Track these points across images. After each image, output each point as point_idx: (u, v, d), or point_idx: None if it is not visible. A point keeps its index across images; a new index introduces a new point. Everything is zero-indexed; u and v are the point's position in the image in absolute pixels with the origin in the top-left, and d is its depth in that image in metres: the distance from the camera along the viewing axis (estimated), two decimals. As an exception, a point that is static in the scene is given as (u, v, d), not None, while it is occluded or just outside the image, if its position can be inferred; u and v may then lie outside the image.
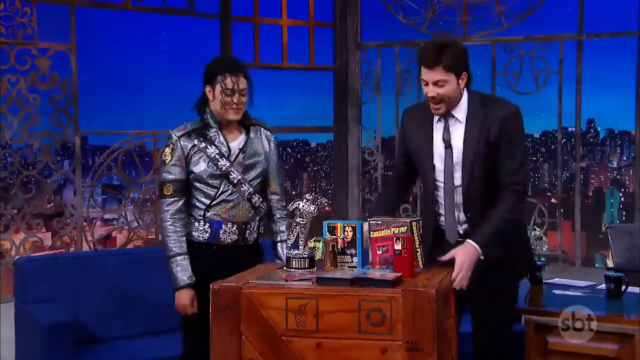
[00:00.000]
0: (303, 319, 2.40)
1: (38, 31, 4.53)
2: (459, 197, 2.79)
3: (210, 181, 2.90)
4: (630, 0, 5.06)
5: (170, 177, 2.90)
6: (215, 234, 2.93)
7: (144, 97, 6.01)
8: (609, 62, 5.89)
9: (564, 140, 5.51)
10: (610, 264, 4.28)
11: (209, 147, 2.89)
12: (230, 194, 2.91)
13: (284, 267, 2.69)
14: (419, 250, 2.65)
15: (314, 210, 2.69)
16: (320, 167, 6.96)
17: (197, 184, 2.92)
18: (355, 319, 2.36)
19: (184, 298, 2.88)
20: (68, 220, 4.72)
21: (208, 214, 2.92)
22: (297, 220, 2.69)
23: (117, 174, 4.96)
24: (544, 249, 5.59)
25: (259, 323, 2.43)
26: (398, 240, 2.53)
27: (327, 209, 6.56)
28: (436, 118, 2.80)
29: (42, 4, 4.54)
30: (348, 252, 2.66)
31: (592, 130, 6.61)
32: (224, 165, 2.89)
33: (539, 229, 5.52)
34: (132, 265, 3.99)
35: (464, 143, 2.75)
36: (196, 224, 2.94)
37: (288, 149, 7.15)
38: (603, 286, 3.26)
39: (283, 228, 3.08)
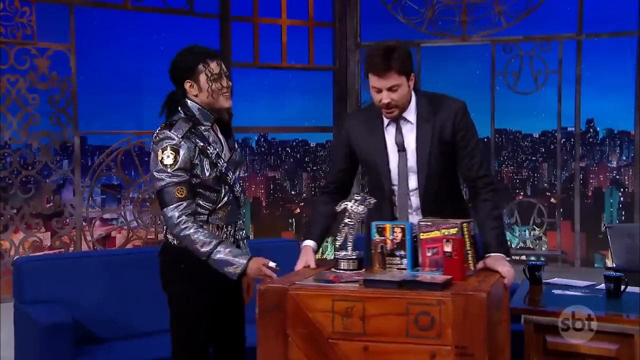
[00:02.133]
0: (350, 322, 2.34)
1: (37, 31, 4.53)
2: (414, 201, 2.75)
3: (212, 185, 2.70)
4: (630, 0, 5.06)
5: (180, 179, 2.61)
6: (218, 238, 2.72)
7: (143, 97, 6.03)
8: (609, 62, 5.91)
9: (564, 140, 5.52)
10: (609, 263, 4.28)
11: (208, 147, 2.68)
12: (229, 196, 2.74)
13: (332, 269, 2.63)
14: (469, 252, 2.56)
15: (362, 210, 2.61)
16: (320, 167, 6.96)
17: (198, 189, 2.68)
18: (403, 323, 2.30)
19: (258, 262, 2.62)
20: (67, 220, 4.72)
21: (210, 219, 2.71)
22: (345, 220, 2.62)
23: (116, 174, 4.96)
24: (543, 248, 5.59)
25: (305, 325, 2.37)
26: (448, 242, 2.46)
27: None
28: (386, 122, 2.74)
29: (41, 3, 4.54)
30: (397, 254, 2.60)
31: (591, 130, 6.62)
32: (223, 166, 2.71)
33: (538, 229, 5.52)
34: (132, 265, 3.98)
35: (417, 145, 2.72)
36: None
37: (287, 149, 7.16)
38: (602, 286, 3.25)
39: (243, 225, 2.94)
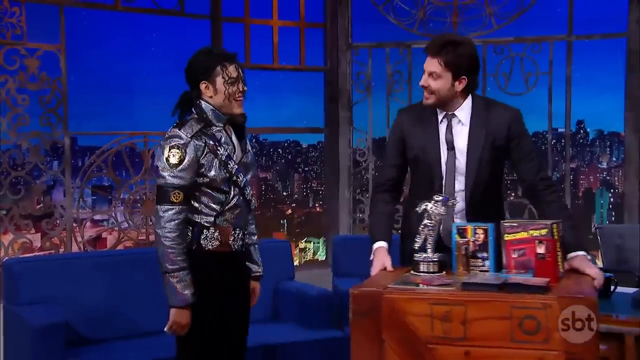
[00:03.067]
0: (449, 326, 2.26)
1: (27, 31, 4.50)
2: (459, 203, 2.70)
3: (221, 186, 2.67)
4: (619, 1, 5.09)
5: (181, 182, 2.59)
6: (226, 241, 2.71)
7: (134, 98, 6.00)
8: (599, 63, 5.93)
9: (554, 141, 5.54)
10: (599, 264, 4.29)
11: (219, 148, 2.66)
12: (238, 198, 2.71)
13: (411, 271, 2.58)
14: (559, 253, 2.49)
15: (443, 212, 2.56)
16: (312, 168, 6.96)
17: (206, 189, 2.66)
18: (506, 327, 2.21)
19: (186, 317, 2.64)
20: (57, 221, 4.69)
21: (218, 221, 2.69)
22: (425, 222, 2.57)
23: (107, 175, 4.93)
24: (534, 249, 5.60)
25: (401, 329, 2.30)
26: (541, 244, 2.38)
27: (317, 209, 6.58)
28: (440, 117, 2.73)
29: (31, 4, 4.51)
30: (479, 256, 2.55)
31: (581, 131, 6.64)
32: (233, 168, 2.68)
33: (529, 230, 5.52)
34: (123, 267, 3.98)
35: (468, 146, 2.69)
36: (205, 231, 2.67)
37: (279, 150, 7.15)
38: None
39: (255, 230, 2.96)
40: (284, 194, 7.18)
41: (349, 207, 5.68)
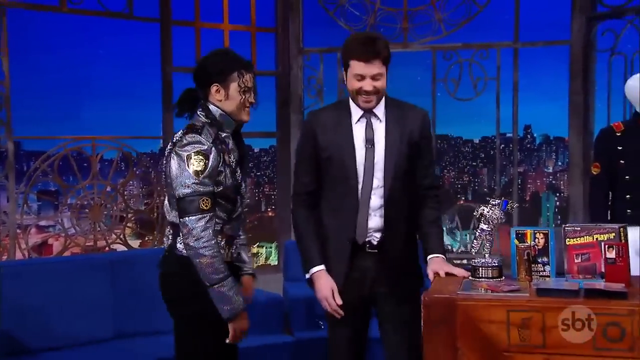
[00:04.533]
0: (527, 334, 2.19)
1: (-32, 33, 4.38)
2: (375, 200, 2.69)
3: (231, 195, 2.56)
4: (563, 10, 5.22)
5: (207, 189, 2.44)
6: (228, 251, 2.63)
7: (82, 102, 5.90)
8: (544, 69, 6.07)
9: (502, 145, 5.64)
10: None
11: (230, 155, 2.56)
12: (240, 206, 2.64)
13: (469, 277, 2.52)
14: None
15: (499, 215, 2.53)
16: (264, 173, 6.94)
17: (218, 199, 2.52)
18: (588, 334, 2.15)
19: (246, 319, 2.53)
20: (0, 228, 4.57)
21: (225, 229, 2.58)
22: (482, 226, 2.54)
23: (53, 180, 4.83)
24: (484, 252, 5.69)
25: (477, 338, 2.24)
26: (611, 248, 2.34)
27: (269, 214, 6.55)
28: (355, 118, 2.71)
29: (-28, 4, 4.39)
30: (540, 261, 2.50)
31: (529, 136, 6.79)
32: (240, 176, 2.61)
33: (478, 233, 5.61)
34: (70, 273, 3.89)
35: (386, 142, 2.69)
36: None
37: (231, 154, 7.11)
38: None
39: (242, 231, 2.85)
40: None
41: (300, 212, 5.67)
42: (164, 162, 2.59)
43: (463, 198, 6.87)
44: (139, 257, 4.24)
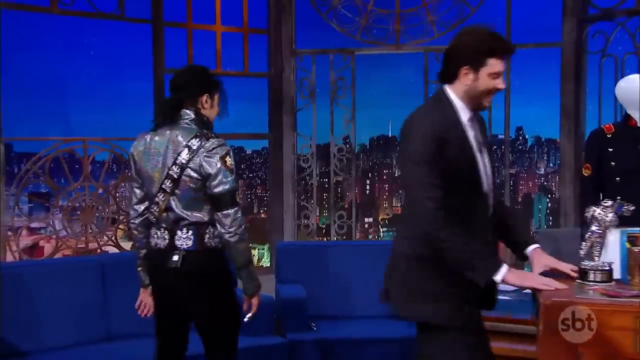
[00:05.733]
0: None
1: (-42, 34, 4.36)
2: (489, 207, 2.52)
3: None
4: (554, 13, 5.25)
5: (237, 185, 2.90)
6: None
7: (73, 103, 5.88)
8: (536, 71, 6.10)
9: (494, 147, 5.65)
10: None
11: None
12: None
13: (578, 280, 2.42)
14: None
15: (612, 218, 2.45)
16: (256, 174, 6.94)
17: None
18: None
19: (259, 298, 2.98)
20: (-9, 230, 4.55)
21: None
22: (592, 228, 2.46)
23: (44, 182, 4.81)
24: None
25: (601, 343, 2.16)
26: None
27: (262, 215, 6.55)
28: (467, 117, 2.46)
29: (-37, 5, 4.37)
30: None
31: (520, 138, 6.82)
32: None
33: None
34: (61, 275, 3.88)
35: (487, 144, 2.54)
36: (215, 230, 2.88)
37: (223, 156, 7.10)
38: (529, 290, 3.34)
39: None
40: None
41: (293, 213, 5.68)
42: (178, 170, 2.81)
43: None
44: (130, 259, 4.23)
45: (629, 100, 3.65)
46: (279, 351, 4.01)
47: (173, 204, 2.84)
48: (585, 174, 3.76)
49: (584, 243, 2.47)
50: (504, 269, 2.32)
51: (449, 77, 2.45)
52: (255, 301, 2.95)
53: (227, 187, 2.78)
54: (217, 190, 2.78)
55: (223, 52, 5.46)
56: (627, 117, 3.70)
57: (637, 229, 2.48)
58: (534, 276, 2.41)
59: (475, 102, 2.46)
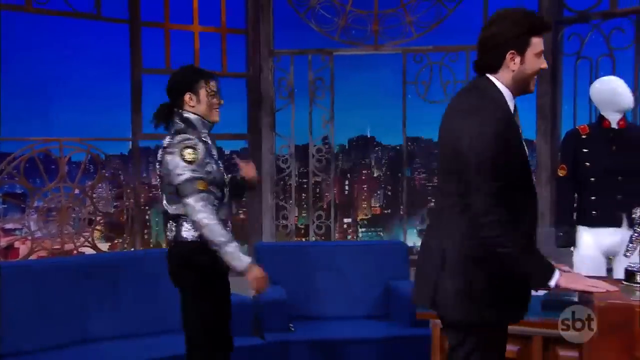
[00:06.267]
0: None
1: None
2: None
3: (219, 183, 3.02)
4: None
5: (200, 175, 2.91)
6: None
7: (48, 103, 5.81)
8: (512, 72, 6.13)
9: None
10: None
11: (212, 150, 3.05)
12: (228, 194, 3.08)
13: (625, 282, 2.39)
14: None
15: None
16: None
17: (210, 187, 2.98)
18: None
19: (260, 270, 2.95)
20: (-35, 231, 4.50)
21: (219, 214, 2.98)
22: (638, 229, 2.44)
23: (19, 182, 4.75)
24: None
25: None
26: None
27: (240, 216, 6.53)
28: (512, 106, 2.36)
29: (-64, 4, 4.31)
30: None
31: (497, 138, 6.86)
32: (222, 167, 3.07)
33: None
34: (36, 277, 3.84)
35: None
36: None
37: (202, 156, 7.07)
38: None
39: None
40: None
41: (272, 214, 5.67)
42: (157, 166, 3.04)
43: (433, 200, 6.90)
44: (107, 260, 4.21)
45: (603, 101, 3.70)
46: (258, 352, 4.01)
47: (163, 198, 3.04)
48: (561, 175, 3.80)
49: (630, 245, 2.44)
50: (557, 274, 2.25)
51: (493, 66, 2.34)
52: (250, 277, 2.93)
53: (183, 177, 2.88)
54: (176, 182, 2.90)
55: (201, 52, 5.45)
56: (602, 119, 3.74)
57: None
58: (584, 279, 2.35)
59: (522, 86, 2.36)
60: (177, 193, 2.92)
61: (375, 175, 7.40)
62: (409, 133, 5.67)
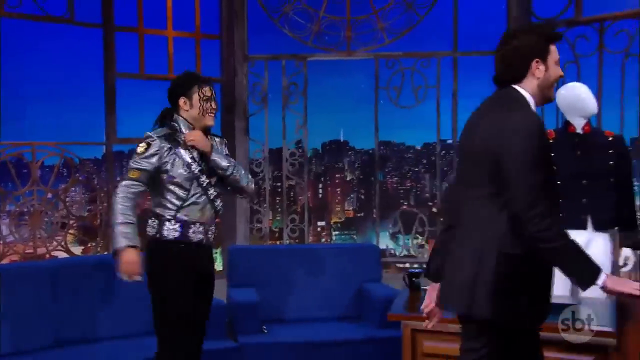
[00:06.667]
0: None
1: None
2: None
3: (183, 184, 3.13)
4: (499, 22, 5.42)
5: (139, 166, 3.09)
6: (185, 232, 3.15)
7: (21, 107, 5.77)
8: (482, 78, 6.25)
9: (443, 152, 5.79)
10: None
11: (182, 151, 3.14)
12: (199, 196, 3.17)
13: None
14: None
15: None
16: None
17: (170, 186, 3.14)
18: None
19: (133, 255, 3.03)
20: (-64, 236, 4.46)
21: (179, 215, 3.14)
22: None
23: (-10, 187, 4.73)
24: (426, 256, 5.81)
25: None
26: None
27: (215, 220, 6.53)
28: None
29: None
30: None
31: (468, 143, 6.97)
32: (196, 169, 3.15)
33: (420, 237, 5.75)
34: (8, 281, 3.82)
35: None
36: (167, 223, 3.14)
37: (176, 160, 7.06)
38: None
39: None
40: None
41: (246, 217, 5.70)
42: None
43: (406, 203, 7.00)
44: (80, 264, 4.20)
45: (568, 107, 3.80)
46: (231, 355, 4.03)
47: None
48: (528, 178, 3.90)
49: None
50: (604, 274, 2.23)
51: (517, 77, 2.42)
52: (122, 259, 3.01)
53: (128, 167, 3.13)
54: None
55: (175, 57, 5.46)
56: (567, 124, 3.85)
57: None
58: (630, 282, 2.30)
59: (545, 94, 2.45)
60: None
61: (348, 178, 7.47)
62: (381, 137, 5.76)
